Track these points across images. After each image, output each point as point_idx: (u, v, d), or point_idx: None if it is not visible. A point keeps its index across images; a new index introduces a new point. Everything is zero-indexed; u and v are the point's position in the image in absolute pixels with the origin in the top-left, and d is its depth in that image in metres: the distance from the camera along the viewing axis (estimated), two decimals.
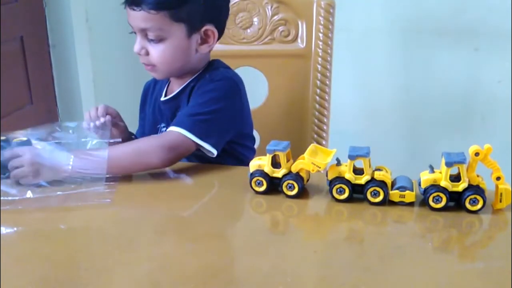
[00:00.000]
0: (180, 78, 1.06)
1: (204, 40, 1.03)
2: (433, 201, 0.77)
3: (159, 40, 0.98)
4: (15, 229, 0.76)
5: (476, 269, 0.65)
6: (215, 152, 0.97)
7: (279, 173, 0.84)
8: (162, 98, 1.10)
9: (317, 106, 1.33)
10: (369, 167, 0.81)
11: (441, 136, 1.90)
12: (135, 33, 1.01)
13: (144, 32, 0.98)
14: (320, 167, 0.81)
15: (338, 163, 0.83)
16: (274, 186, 0.85)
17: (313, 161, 0.81)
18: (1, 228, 0.75)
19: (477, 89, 1.82)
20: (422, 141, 1.94)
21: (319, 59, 1.32)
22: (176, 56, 1.01)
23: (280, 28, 1.33)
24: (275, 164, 0.84)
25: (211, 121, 0.98)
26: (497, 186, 0.77)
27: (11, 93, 1.78)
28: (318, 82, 1.32)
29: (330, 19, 1.31)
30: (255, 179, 0.85)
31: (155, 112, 1.12)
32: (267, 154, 0.84)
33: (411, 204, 0.80)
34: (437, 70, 1.83)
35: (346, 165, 0.81)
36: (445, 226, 0.75)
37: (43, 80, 1.96)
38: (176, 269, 0.65)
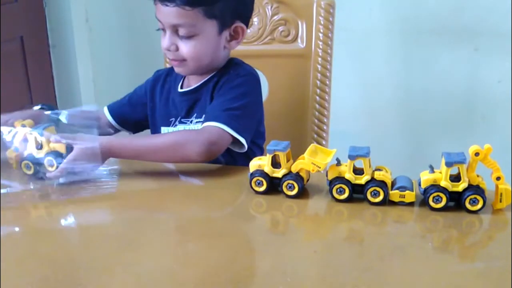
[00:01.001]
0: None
1: (233, 37, 1.04)
2: (433, 201, 0.77)
3: (191, 36, 0.98)
4: (15, 229, 0.76)
5: (476, 269, 0.65)
6: (246, 147, 0.99)
7: (279, 173, 0.84)
8: (180, 90, 1.09)
9: (317, 106, 1.33)
10: (369, 167, 0.81)
11: (441, 136, 1.90)
12: (162, 29, 1.01)
13: (175, 28, 0.98)
14: (320, 167, 0.81)
15: (338, 163, 0.83)
16: (274, 186, 0.85)
17: (313, 161, 0.81)
18: (1, 228, 0.75)
19: (477, 89, 1.82)
20: (422, 141, 1.94)
21: (319, 59, 1.32)
22: (207, 52, 1.02)
23: (280, 28, 1.33)
24: (275, 164, 0.84)
25: (243, 116, 0.99)
26: (497, 186, 0.77)
27: (11, 93, 1.78)
28: (318, 82, 1.32)
29: (330, 19, 1.31)
30: (255, 179, 0.85)
31: (168, 104, 1.12)
32: (267, 154, 0.84)
33: (411, 204, 0.80)
34: (437, 70, 1.82)
35: (346, 165, 0.81)
36: (445, 226, 0.75)
37: (43, 80, 1.96)
38: (176, 269, 0.65)
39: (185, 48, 1.00)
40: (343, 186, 0.81)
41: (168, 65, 1.40)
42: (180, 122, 1.09)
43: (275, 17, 1.33)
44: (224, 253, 0.69)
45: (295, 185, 0.83)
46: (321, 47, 1.32)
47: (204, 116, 1.04)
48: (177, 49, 1.00)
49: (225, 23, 1.01)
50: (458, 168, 0.77)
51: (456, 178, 0.78)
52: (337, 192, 0.81)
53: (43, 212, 0.82)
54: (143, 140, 0.95)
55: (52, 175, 0.88)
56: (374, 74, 1.90)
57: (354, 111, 1.94)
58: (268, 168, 0.84)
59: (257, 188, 0.85)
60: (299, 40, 1.33)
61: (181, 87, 1.11)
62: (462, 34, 1.76)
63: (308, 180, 0.87)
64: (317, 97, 1.33)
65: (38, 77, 1.92)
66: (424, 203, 0.79)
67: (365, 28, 1.82)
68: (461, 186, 0.77)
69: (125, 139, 0.96)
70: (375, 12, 1.80)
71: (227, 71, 1.06)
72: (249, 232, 0.76)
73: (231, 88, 1.02)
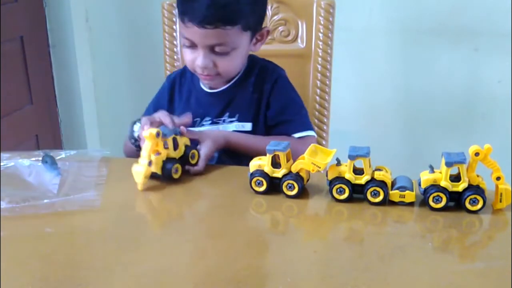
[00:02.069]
0: None
1: (257, 40, 1.06)
2: (433, 201, 0.77)
3: (228, 52, 0.99)
4: (15, 229, 0.76)
5: (476, 269, 0.65)
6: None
7: (279, 173, 0.84)
8: (208, 90, 1.09)
9: (317, 106, 1.33)
10: (369, 167, 0.81)
11: (441, 136, 1.90)
12: (189, 47, 1.00)
13: (212, 46, 0.98)
14: (320, 167, 0.81)
15: (338, 163, 0.83)
16: (274, 186, 0.85)
17: (313, 161, 0.81)
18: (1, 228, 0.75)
19: (477, 89, 1.82)
20: (422, 141, 1.94)
21: (319, 59, 1.32)
22: (240, 63, 1.05)
23: (280, 28, 1.33)
24: (275, 164, 0.84)
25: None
26: (497, 186, 0.77)
27: (11, 93, 1.78)
28: (318, 82, 1.32)
29: (330, 19, 1.31)
30: (255, 179, 0.85)
31: (189, 104, 1.11)
32: (267, 154, 0.84)
33: (411, 204, 0.80)
34: (437, 70, 1.82)
35: (346, 165, 0.81)
36: (445, 226, 0.75)
37: (43, 80, 1.96)
38: (176, 269, 0.65)
39: (223, 64, 1.00)
40: (343, 186, 0.81)
41: (168, 65, 1.41)
42: (213, 123, 1.09)
43: (275, 17, 1.33)
44: (224, 253, 0.69)
45: (295, 185, 0.83)
46: (321, 47, 1.32)
47: (237, 115, 1.06)
48: (214, 65, 1.00)
49: (256, 31, 1.04)
50: (458, 168, 0.77)
51: (456, 178, 0.78)
52: (337, 192, 0.81)
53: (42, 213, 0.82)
54: (257, 140, 1.02)
55: (197, 168, 0.92)
56: (374, 74, 1.90)
57: (354, 111, 1.94)
58: (268, 168, 0.84)
59: (257, 188, 0.85)
60: (299, 40, 1.33)
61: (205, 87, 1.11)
62: (462, 34, 1.76)
63: (308, 180, 0.87)
64: (317, 97, 1.33)
65: (38, 77, 1.92)
66: (424, 203, 0.79)
67: (365, 28, 1.82)
68: (461, 186, 0.77)
69: (241, 135, 1.03)
70: (375, 12, 1.79)
71: (256, 67, 1.09)
72: (249, 232, 0.76)
73: (284, 87, 1.08)
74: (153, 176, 0.88)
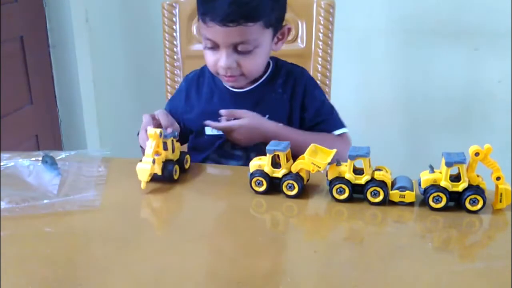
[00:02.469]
0: None
1: (279, 38, 1.06)
2: (433, 201, 0.77)
3: (251, 50, 0.98)
4: (15, 229, 0.76)
5: (476, 269, 0.65)
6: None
7: (279, 173, 0.84)
8: (234, 90, 1.09)
9: None
10: (369, 167, 0.81)
11: (441, 136, 1.90)
12: (211, 48, 1.00)
13: (234, 45, 0.97)
14: (320, 167, 0.81)
15: (338, 163, 0.83)
16: (274, 186, 0.85)
17: (313, 161, 0.81)
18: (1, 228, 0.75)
19: (477, 89, 1.82)
20: (422, 141, 1.94)
21: (319, 59, 1.32)
22: (264, 62, 1.04)
23: None
24: (275, 164, 0.84)
25: None
26: (497, 186, 0.77)
27: (11, 93, 1.78)
28: (318, 82, 1.32)
29: (330, 19, 1.31)
30: (255, 179, 0.85)
31: (212, 103, 1.10)
32: (267, 154, 0.84)
33: (411, 204, 0.80)
34: (437, 70, 1.82)
35: (346, 165, 0.81)
36: (445, 226, 0.75)
37: (43, 80, 1.96)
38: (176, 269, 0.65)
39: (247, 63, 1.00)
40: (343, 186, 0.81)
41: (168, 65, 1.41)
42: None
43: None
44: (224, 253, 0.69)
45: (295, 185, 0.83)
46: (321, 47, 1.32)
47: (267, 116, 1.05)
48: (238, 65, 1.00)
49: (278, 28, 1.03)
50: (458, 168, 0.77)
51: (456, 178, 0.78)
52: (337, 192, 0.81)
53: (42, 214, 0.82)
54: (304, 135, 1.03)
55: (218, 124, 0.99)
56: (374, 74, 1.90)
57: (354, 111, 1.93)
58: (268, 168, 0.84)
59: (257, 188, 0.85)
60: (299, 40, 1.33)
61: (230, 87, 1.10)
62: (462, 34, 1.76)
63: (308, 180, 0.87)
64: None
65: (38, 77, 1.92)
66: (424, 203, 0.79)
67: (365, 28, 1.82)
68: (461, 186, 0.77)
69: (291, 130, 1.04)
70: (375, 12, 1.79)
71: (287, 70, 1.09)
72: (249, 232, 0.76)
73: (314, 87, 1.10)
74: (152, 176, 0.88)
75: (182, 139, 1.13)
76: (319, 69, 1.32)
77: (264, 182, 0.84)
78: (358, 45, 1.85)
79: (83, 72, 2.03)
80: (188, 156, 0.94)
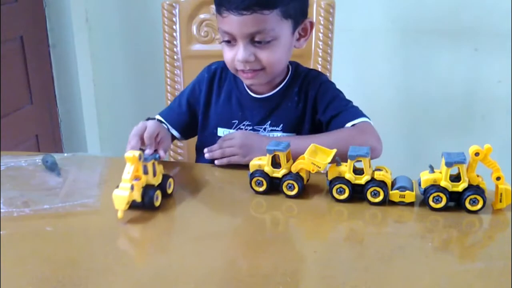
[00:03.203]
0: None
1: (301, 35, 1.03)
2: (433, 201, 0.77)
3: (269, 41, 0.95)
4: (15, 229, 0.76)
5: (476, 269, 0.65)
6: None
7: (279, 173, 0.84)
8: (253, 95, 1.06)
9: None
10: (369, 167, 0.81)
11: (441, 136, 1.89)
12: (227, 41, 0.97)
13: (251, 36, 0.94)
14: (320, 167, 0.81)
15: (338, 163, 0.83)
16: (274, 186, 0.85)
17: (313, 161, 0.81)
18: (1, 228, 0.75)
19: (477, 89, 1.82)
20: (422, 141, 1.94)
21: (319, 59, 1.32)
22: (284, 56, 1.01)
23: None
24: (275, 164, 0.84)
25: None
26: (497, 186, 0.77)
27: (11, 93, 1.78)
28: None
29: (330, 19, 1.31)
30: (255, 179, 0.85)
31: (230, 105, 1.08)
32: (267, 154, 0.84)
33: (411, 204, 0.80)
34: (437, 70, 1.82)
35: (346, 165, 0.81)
36: (445, 226, 0.75)
37: (43, 80, 1.96)
38: (176, 269, 0.65)
39: (265, 55, 0.96)
40: (343, 186, 0.81)
41: (168, 65, 1.41)
42: (253, 130, 1.05)
43: None
44: (224, 253, 0.69)
45: (295, 185, 0.83)
46: (321, 47, 1.32)
47: (281, 125, 1.04)
48: (255, 58, 0.96)
49: (297, 21, 0.99)
50: (458, 168, 0.77)
51: (456, 178, 0.78)
52: (337, 192, 0.81)
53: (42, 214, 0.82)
54: (319, 138, 0.96)
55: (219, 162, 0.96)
56: (374, 74, 1.90)
57: None
58: (268, 168, 0.84)
59: (257, 188, 0.85)
60: None
61: (250, 91, 1.07)
62: (462, 34, 1.76)
63: (308, 180, 0.87)
64: None
65: (38, 77, 1.92)
66: (424, 203, 0.79)
67: (365, 28, 1.82)
68: (461, 186, 0.77)
69: (303, 137, 1.00)
70: (375, 12, 1.79)
71: (303, 76, 1.07)
72: (249, 232, 0.76)
73: (329, 86, 1.07)
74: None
75: (188, 132, 1.13)
76: (319, 69, 1.32)
77: (264, 182, 0.84)
78: (358, 45, 1.85)
79: (83, 72, 2.03)
80: (171, 180, 0.85)
